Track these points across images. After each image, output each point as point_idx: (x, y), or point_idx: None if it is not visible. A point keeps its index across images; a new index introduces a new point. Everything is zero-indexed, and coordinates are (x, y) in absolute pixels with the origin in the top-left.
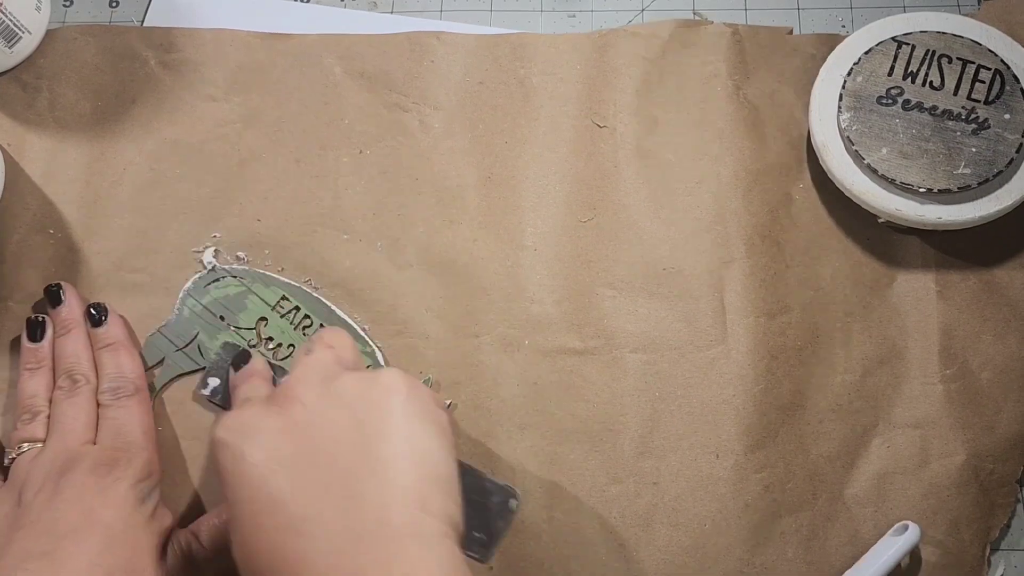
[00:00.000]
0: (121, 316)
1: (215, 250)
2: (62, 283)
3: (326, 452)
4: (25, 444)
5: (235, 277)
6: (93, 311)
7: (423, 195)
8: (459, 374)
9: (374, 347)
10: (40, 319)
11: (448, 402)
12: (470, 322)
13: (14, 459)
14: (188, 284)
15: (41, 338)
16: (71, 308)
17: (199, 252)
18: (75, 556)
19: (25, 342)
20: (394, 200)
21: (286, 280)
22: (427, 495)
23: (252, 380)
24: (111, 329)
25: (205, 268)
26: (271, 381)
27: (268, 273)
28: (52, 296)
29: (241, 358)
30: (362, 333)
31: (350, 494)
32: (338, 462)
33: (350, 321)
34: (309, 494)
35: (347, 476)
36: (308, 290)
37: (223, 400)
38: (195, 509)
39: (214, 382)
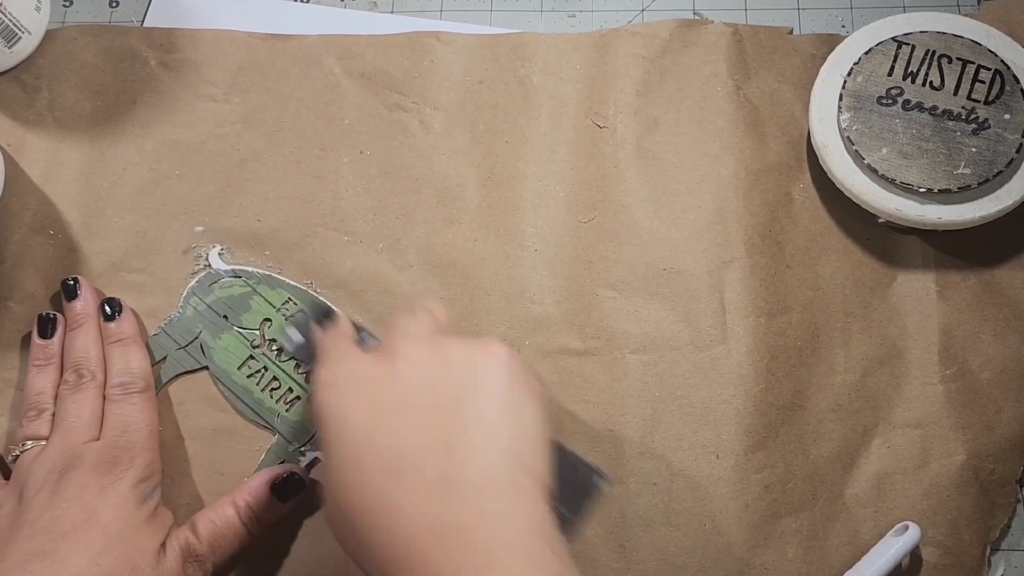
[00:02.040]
0: (132, 310)
1: (221, 250)
2: (78, 277)
3: (430, 406)
4: (29, 441)
5: (240, 277)
6: (108, 306)
7: (423, 195)
8: None
9: None
10: (52, 316)
11: None
12: (471, 323)
13: (18, 456)
14: (193, 282)
15: (51, 335)
16: (86, 302)
17: (205, 252)
18: (75, 555)
19: (35, 338)
20: (394, 200)
21: (292, 282)
22: (524, 455)
23: (340, 340)
24: (123, 324)
25: (211, 268)
26: (355, 342)
27: (273, 275)
28: (68, 289)
29: (327, 316)
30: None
31: (451, 446)
32: (441, 417)
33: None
34: (412, 443)
35: (449, 430)
36: (314, 293)
37: (305, 356)
38: (195, 509)
39: (297, 337)
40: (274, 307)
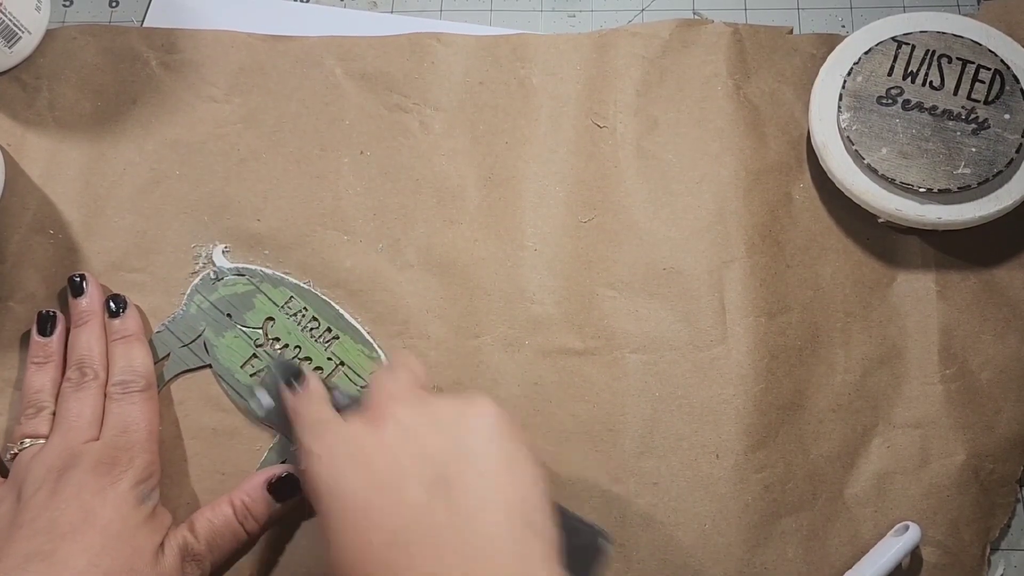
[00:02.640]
0: (137, 307)
1: (224, 248)
2: (85, 273)
3: (426, 469)
4: (27, 440)
5: (243, 276)
6: (112, 302)
7: (423, 196)
8: (460, 375)
9: (380, 352)
10: (52, 313)
11: None
12: (471, 322)
13: (16, 454)
14: (196, 280)
15: (51, 333)
16: (91, 299)
17: (206, 251)
18: (74, 556)
19: (34, 335)
20: (394, 201)
21: (295, 281)
22: (530, 514)
23: (313, 403)
24: (127, 321)
25: (215, 265)
26: (328, 402)
27: (277, 273)
28: (74, 286)
29: (294, 376)
30: (368, 337)
31: (455, 510)
32: (438, 480)
33: (356, 325)
34: (413, 511)
35: (449, 493)
36: (317, 292)
37: (277, 420)
38: (194, 508)
39: (267, 401)
40: (277, 306)
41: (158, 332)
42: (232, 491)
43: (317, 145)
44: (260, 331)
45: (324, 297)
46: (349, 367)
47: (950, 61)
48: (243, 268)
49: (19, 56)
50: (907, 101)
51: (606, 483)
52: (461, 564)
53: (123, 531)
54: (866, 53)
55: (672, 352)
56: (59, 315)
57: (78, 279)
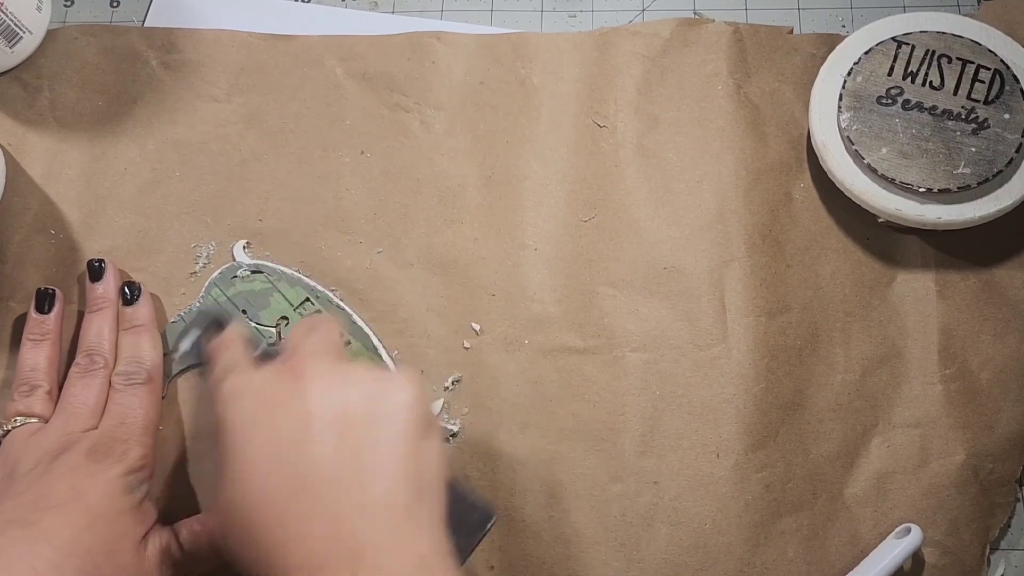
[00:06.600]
0: (153, 295)
1: (245, 243)
2: (105, 259)
3: (336, 424)
4: (19, 418)
5: (262, 272)
6: (127, 290)
7: (424, 195)
8: (460, 373)
9: (389, 360)
10: (50, 291)
11: (455, 429)
12: (471, 321)
13: (8, 431)
14: (215, 274)
15: (49, 310)
16: (107, 287)
17: (209, 249)
18: (58, 529)
19: (32, 312)
20: (395, 200)
21: (311, 282)
22: (424, 487)
23: (231, 349)
24: (139, 310)
25: (234, 260)
26: (247, 349)
27: (295, 273)
28: (92, 271)
29: (218, 322)
30: (379, 345)
31: (359, 468)
32: (349, 437)
33: (369, 332)
34: (321, 462)
35: (357, 452)
36: (332, 296)
37: (195, 359)
38: (187, 511)
39: (185, 346)
40: (292, 306)
41: (173, 323)
42: None
43: (318, 145)
44: (273, 330)
45: (339, 302)
46: None
47: (950, 61)
48: (262, 265)
49: (20, 56)
50: (907, 101)
51: (606, 482)
52: (356, 518)
53: (108, 514)
54: (866, 53)
55: (672, 351)
56: (58, 292)
57: (97, 264)
